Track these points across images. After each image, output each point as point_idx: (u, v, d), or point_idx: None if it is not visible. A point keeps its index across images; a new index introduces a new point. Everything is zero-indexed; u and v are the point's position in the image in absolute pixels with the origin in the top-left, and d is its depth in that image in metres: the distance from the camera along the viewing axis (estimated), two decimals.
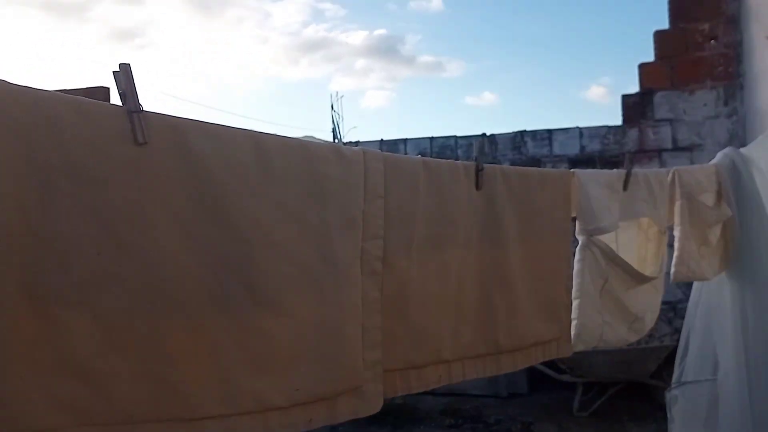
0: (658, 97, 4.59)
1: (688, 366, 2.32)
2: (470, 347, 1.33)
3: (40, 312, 0.79)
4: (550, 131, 4.94)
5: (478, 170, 1.35)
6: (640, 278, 1.73)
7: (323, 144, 1.11)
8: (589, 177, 1.64)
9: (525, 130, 5.03)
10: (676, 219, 1.98)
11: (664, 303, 1.97)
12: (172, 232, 0.91)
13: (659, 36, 4.58)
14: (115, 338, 0.85)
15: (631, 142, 4.62)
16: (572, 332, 1.61)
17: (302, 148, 1.07)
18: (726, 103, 4.43)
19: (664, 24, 4.59)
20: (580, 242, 1.64)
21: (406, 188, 1.21)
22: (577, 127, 4.88)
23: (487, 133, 5.15)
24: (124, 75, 0.86)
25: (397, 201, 1.20)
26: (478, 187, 1.35)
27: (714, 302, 2.24)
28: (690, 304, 2.30)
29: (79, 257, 0.83)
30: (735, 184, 2.16)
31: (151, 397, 0.88)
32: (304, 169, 1.07)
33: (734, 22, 4.37)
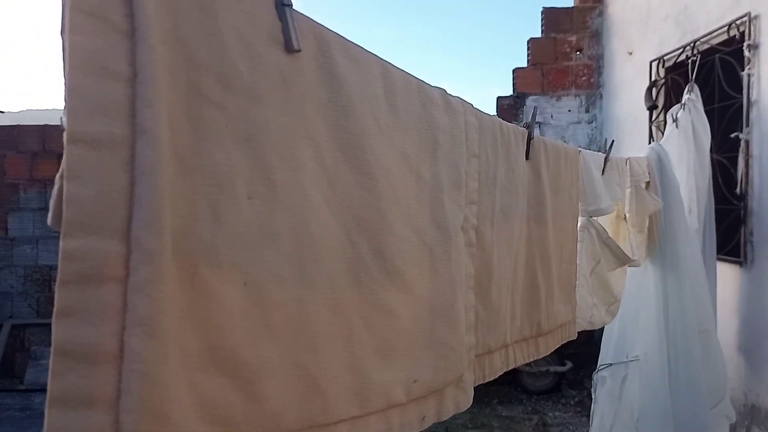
0: (529, 101, 4.90)
1: (609, 348, 2.46)
2: (520, 330, 1.23)
3: (187, 275, 0.53)
4: None
5: (530, 138, 1.25)
6: (626, 261, 1.77)
7: (433, 86, 0.93)
8: (589, 157, 1.63)
9: None
10: (626, 206, 2.08)
11: None
12: (316, 176, 0.68)
13: (533, 43, 4.89)
14: (266, 316, 0.61)
15: None
16: None
17: (419, 88, 0.88)
18: (587, 110, 4.87)
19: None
20: (580, 223, 1.62)
21: (491, 149, 1.07)
22: None
23: None
24: None
25: (485, 163, 1.05)
26: (527, 156, 1.26)
27: (635, 287, 2.39)
28: None
29: (230, 200, 0.57)
30: (660, 176, 2.34)
31: (296, 398, 0.65)
32: (421, 113, 0.88)
33: (597, 37, 4.82)
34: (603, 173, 1.79)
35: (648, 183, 2.27)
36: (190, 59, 0.53)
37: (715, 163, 3.05)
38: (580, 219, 1.63)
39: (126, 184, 0.46)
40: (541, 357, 1.33)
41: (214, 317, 0.55)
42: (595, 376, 2.39)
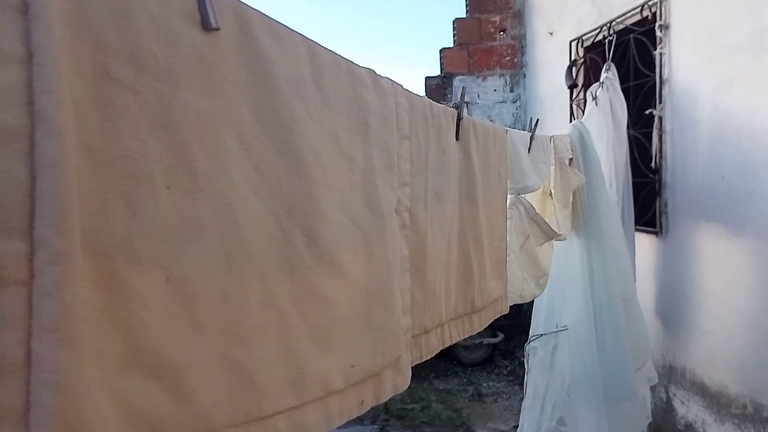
0: (456, 81, 4.95)
1: (539, 319, 2.55)
2: (455, 308, 1.25)
3: (104, 274, 0.49)
4: None
5: (459, 119, 1.26)
6: (553, 236, 1.82)
7: (362, 67, 0.90)
8: (516, 136, 1.66)
9: None
10: (551, 183, 2.14)
11: None
12: (241, 161, 0.65)
13: (458, 23, 4.93)
14: (191, 313, 0.57)
15: None
16: None
17: (348, 69, 0.86)
18: (512, 90, 4.97)
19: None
20: (508, 201, 1.65)
21: (422, 131, 1.07)
22: None
23: None
24: None
25: (416, 145, 1.04)
26: (457, 137, 1.26)
27: (562, 260, 2.48)
28: None
29: (147, 191, 0.53)
30: (582, 152, 2.42)
31: (228, 394, 0.62)
32: (350, 95, 0.86)
33: (520, 17, 4.91)
34: (529, 151, 1.82)
35: (571, 160, 2.35)
36: (96, 41, 0.49)
37: (631, 139, 3.19)
38: (508, 197, 1.66)
39: (25, 178, 0.42)
40: (475, 333, 1.35)
41: (135, 317, 0.52)
42: (527, 347, 2.47)
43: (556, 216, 2.00)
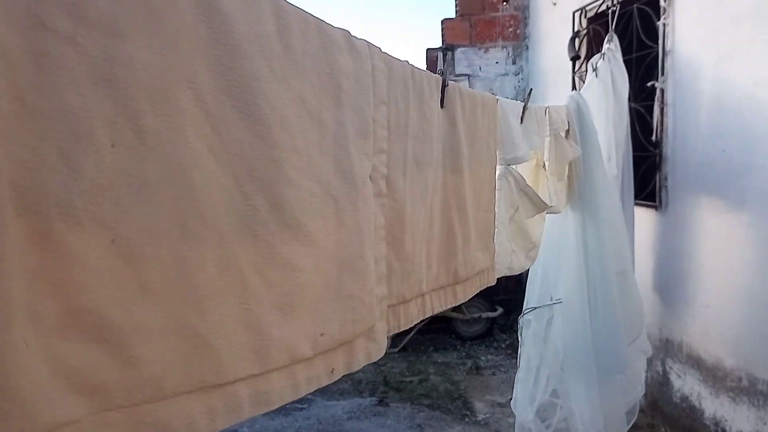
0: (458, 53, 4.87)
1: (533, 292, 2.53)
2: (437, 278, 1.23)
3: (40, 234, 0.47)
4: None
5: (444, 86, 1.22)
6: (543, 208, 1.80)
7: (335, 27, 0.87)
8: (507, 105, 1.62)
9: None
10: (545, 154, 2.11)
11: None
12: (197, 121, 0.63)
13: None
14: (139, 275, 0.56)
15: None
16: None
17: (319, 29, 0.83)
18: (514, 62, 4.89)
19: None
20: (498, 171, 1.63)
21: (401, 96, 1.04)
22: None
23: None
24: None
25: (395, 110, 1.02)
26: (442, 104, 1.23)
27: (557, 233, 2.45)
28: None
29: (88, 149, 0.51)
30: (579, 124, 2.38)
31: (181, 359, 0.61)
32: (321, 56, 0.83)
33: None
34: (522, 122, 1.79)
35: (567, 131, 2.31)
36: None
37: (632, 112, 3.14)
38: (498, 167, 1.63)
39: None
40: (458, 304, 1.34)
41: (74, 278, 0.50)
42: (521, 320, 2.47)
43: (549, 188, 1.97)
